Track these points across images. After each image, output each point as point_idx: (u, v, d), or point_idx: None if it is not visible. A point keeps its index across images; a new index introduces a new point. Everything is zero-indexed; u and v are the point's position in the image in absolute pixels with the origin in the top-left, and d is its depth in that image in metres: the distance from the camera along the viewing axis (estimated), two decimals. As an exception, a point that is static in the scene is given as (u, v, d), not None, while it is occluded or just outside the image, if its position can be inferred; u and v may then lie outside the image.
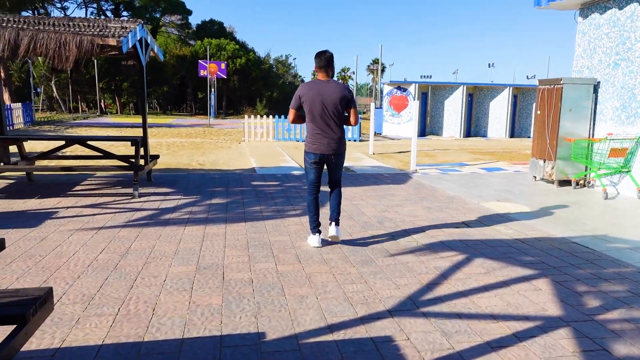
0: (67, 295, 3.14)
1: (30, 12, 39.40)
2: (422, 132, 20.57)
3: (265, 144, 15.25)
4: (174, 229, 4.87)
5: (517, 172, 9.63)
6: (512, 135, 21.35)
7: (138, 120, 30.25)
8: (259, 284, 3.43)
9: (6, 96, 37.58)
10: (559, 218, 5.74)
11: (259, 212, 5.74)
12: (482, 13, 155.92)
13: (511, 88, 20.42)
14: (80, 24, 6.25)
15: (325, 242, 4.50)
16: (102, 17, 44.90)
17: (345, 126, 4.46)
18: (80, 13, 52.92)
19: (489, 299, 3.25)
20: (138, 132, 18.63)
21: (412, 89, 19.43)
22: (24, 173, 7.41)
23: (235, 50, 41.86)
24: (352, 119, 4.29)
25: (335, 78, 4.37)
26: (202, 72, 32.10)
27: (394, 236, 4.81)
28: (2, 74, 36.36)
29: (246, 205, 6.07)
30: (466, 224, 5.38)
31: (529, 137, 21.29)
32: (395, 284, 3.50)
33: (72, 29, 5.81)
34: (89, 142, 6.84)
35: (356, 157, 12.02)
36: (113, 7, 47.50)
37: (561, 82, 7.67)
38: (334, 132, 4.17)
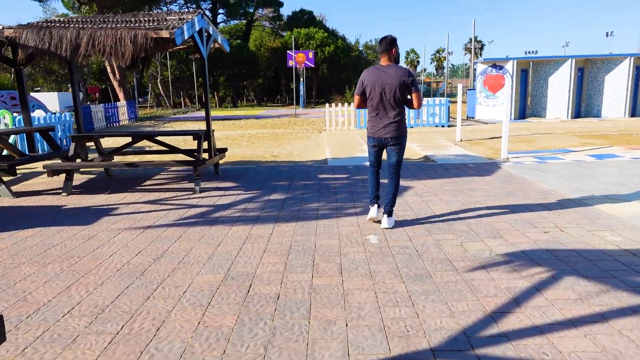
0: (80, 306, 2.94)
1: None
2: (522, 115, 18.55)
3: (346, 132, 14.74)
4: (219, 229, 4.59)
5: (635, 160, 8.00)
6: (633, 115, 18.38)
7: (233, 112, 31.53)
8: (284, 301, 2.96)
9: (121, 95, 41.73)
10: (690, 221, 4.47)
11: (315, 209, 5.26)
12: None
13: (632, 58, 17.50)
14: (142, 18, 6.23)
15: (378, 251, 3.89)
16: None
17: (415, 110, 4.61)
18: (182, 14, 56.48)
19: (576, 341, 2.43)
20: (223, 125, 19.22)
21: (509, 66, 17.52)
22: (103, 169, 7.74)
23: (324, 39, 41.70)
24: (415, 103, 4.29)
25: (401, 62, 4.00)
26: (290, 63, 32.38)
27: (462, 243, 4.04)
28: (118, 75, 40.26)
29: (304, 202, 5.63)
30: (559, 228, 4.39)
31: (657, 115, 18.15)
32: (450, 310, 2.80)
33: (129, 25, 5.78)
34: (156, 138, 6.90)
35: (441, 144, 11.01)
36: (211, 5, 49.94)
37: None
38: (392, 117, 4.25)
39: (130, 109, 22.44)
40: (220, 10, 50.22)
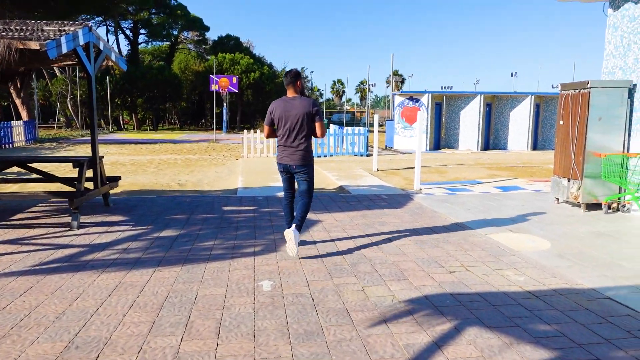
0: None
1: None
2: (437, 146, 19.28)
3: (264, 160, 14.26)
4: (84, 276, 3.84)
5: (537, 192, 8.31)
6: (534, 148, 19.83)
7: (150, 136, 29.86)
8: (135, 379, 2.34)
9: (24, 114, 38.09)
10: (587, 257, 4.48)
11: (209, 249, 4.67)
12: (503, 22, 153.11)
13: (533, 97, 18.99)
14: (13, 27, 5.38)
15: (269, 301, 3.38)
16: (112, 34, 45.10)
17: (319, 138, 4.62)
18: (101, 31, 53.69)
19: (476, 416, 2.07)
20: (134, 149, 17.95)
21: (425, 99, 18.22)
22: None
23: (250, 65, 41.43)
24: (318, 132, 4.47)
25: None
26: (213, 87, 31.59)
27: (364, 287, 3.66)
28: (22, 92, 36.81)
29: (199, 240, 5.01)
30: (465, 267, 4.18)
31: (553, 149, 19.73)
32: (338, 380, 2.35)
33: (-8, 32, 4.93)
34: (30, 165, 5.94)
35: (357, 174, 10.88)
36: (132, 25, 47.89)
37: (588, 86, 6.41)
38: (299, 145, 4.40)
39: (28, 130, 20.30)
40: (142, 31, 48.34)
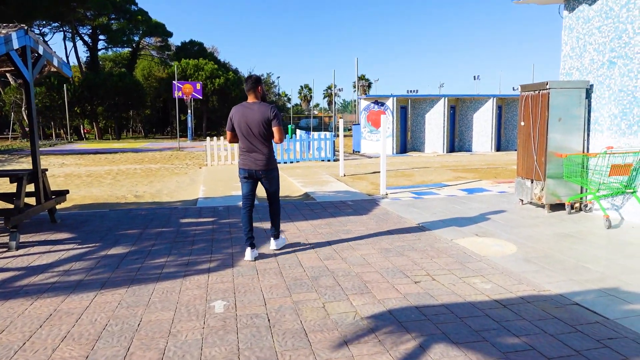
0: None
1: None
2: (403, 149, 19.34)
3: (227, 168, 13.88)
4: (15, 304, 3.45)
5: (501, 194, 8.31)
6: (498, 149, 20.19)
7: (111, 145, 28.83)
8: None
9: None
10: (553, 261, 4.39)
11: (160, 267, 4.33)
12: (466, 25, 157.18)
13: (495, 99, 19.34)
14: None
15: (220, 325, 3.10)
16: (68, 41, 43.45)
17: (278, 143, 4.61)
18: (58, 38, 51.76)
19: None
20: (92, 160, 17.22)
21: (390, 102, 18.25)
22: None
23: (214, 70, 40.78)
24: (276, 136, 4.47)
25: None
26: (177, 94, 30.83)
27: (325, 303, 3.43)
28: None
29: (150, 257, 4.66)
30: (431, 276, 4.01)
31: (516, 150, 20.13)
32: (291, 417, 2.10)
33: None
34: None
35: (323, 180, 10.67)
36: (91, 31, 46.35)
37: (547, 87, 6.42)
38: (260, 150, 4.45)
39: (-24, 141, 19.13)
40: (102, 37, 46.84)
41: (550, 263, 4.33)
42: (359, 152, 19.34)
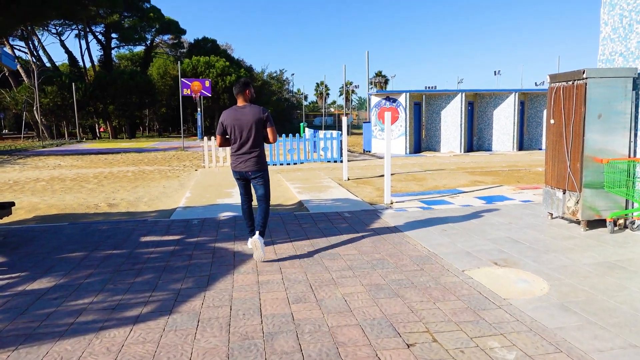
0: None
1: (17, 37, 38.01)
2: (417, 148, 18.11)
3: (224, 170, 12.90)
4: None
5: (526, 204, 7.10)
6: (520, 148, 18.78)
7: (117, 145, 28.28)
8: None
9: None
10: (599, 308, 3.24)
11: (77, 312, 3.33)
12: (486, 20, 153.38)
13: (517, 94, 17.94)
14: None
15: None
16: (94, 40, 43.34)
17: (271, 144, 5.23)
18: (72, 37, 51.83)
19: None
20: (90, 161, 16.49)
21: (402, 99, 17.04)
22: None
23: (225, 68, 40.04)
24: (270, 137, 4.57)
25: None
26: (186, 91, 30.07)
27: (272, 388, 2.36)
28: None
29: (74, 295, 3.67)
30: (430, 333, 2.91)
31: (541, 149, 18.71)
32: None
33: None
34: None
35: (323, 185, 9.59)
36: (104, 29, 46.10)
37: (584, 77, 5.21)
38: (252, 152, 4.48)
39: (-25, 142, 18.63)
40: (114, 35, 46.55)
41: (597, 312, 3.18)
42: (369, 151, 18.19)
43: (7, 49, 42.03)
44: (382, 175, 11.04)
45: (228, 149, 13.75)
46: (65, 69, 44.94)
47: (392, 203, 7.47)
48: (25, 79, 38.26)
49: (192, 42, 50.72)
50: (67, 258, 4.67)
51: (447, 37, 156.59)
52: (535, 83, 54.12)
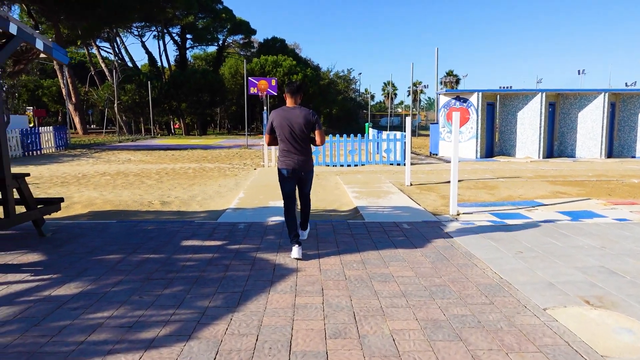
0: None
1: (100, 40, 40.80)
2: (489, 153, 16.79)
3: (284, 170, 12.57)
4: None
5: (621, 224, 6.01)
6: (609, 155, 16.82)
7: (186, 141, 29.24)
8: None
9: (76, 120, 39.02)
10: None
11: (91, 329, 3.00)
12: (568, 16, 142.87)
13: (607, 94, 16.05)
14: None
15: None
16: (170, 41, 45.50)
17: (318, 146, 4.90)
18: (151, 39, 54.61)
19: None
20: (158, 157, 16.94)
21: (474, 99, 15.83)
22: None
23: (292, 66, 40.24)
24: (317, 140, 4.66)
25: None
26: (252, 90, 30.47)
27: None
28: (74, 99, 37.75)
29: (95, 306, 3.37)
30: (503, 402, 2.23)
31: (634, 156, 16.64)
32: None
33: None
34: None
35: (383, 190, 8.93)
36: (180, 30, 48.26)
37: None
38: (301, 151, 4.61)
39: (58, 136, 19.94)
40: (188, 36, 48.56)
41: None
42: (436, 154, 17.16)
43: (94, 50, 45.36)
44: (449, 182, 10.14)
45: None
46: (146, 68, 47.62)
47: (458, 214, 6.68)
48: (108, 78, 40.89)
49: (262, 41, 51.66)
50: (103, 260, 4.44)
51: (524, 35, 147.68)
52: (626, 83, 49.30)
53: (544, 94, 15.94)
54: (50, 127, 19.75)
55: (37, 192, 8.68)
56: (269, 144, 4.81)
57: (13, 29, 4.54)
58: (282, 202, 4.84)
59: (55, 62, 37.54)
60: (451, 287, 3.76)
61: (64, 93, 33.82)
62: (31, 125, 37.25)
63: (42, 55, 5.25)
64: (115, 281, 3.89)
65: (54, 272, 4.10)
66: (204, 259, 4.53)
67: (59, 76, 36.94)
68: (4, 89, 28.44)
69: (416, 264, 4.37)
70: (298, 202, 5.07)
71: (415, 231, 5.64)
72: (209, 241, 5.18)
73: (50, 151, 19.06)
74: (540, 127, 15.99)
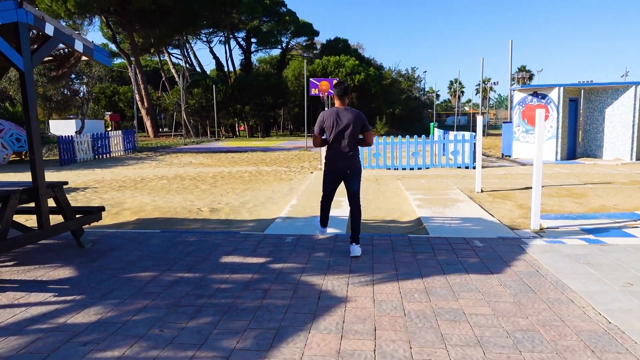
0: None
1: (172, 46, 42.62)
2: (571, 154, 15.08)
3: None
4: None
5: None
6: None
7: (248, 143, 29.51)
8: None
9: (148, 124, 41.01)
10: None
11: (96, 373, 2.52)
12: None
13: None
14: None
15: None
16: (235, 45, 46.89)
17: (368, 147, 5.68)
18: (219, 45, 56.36)
19: None
20: (218, 159, 16.94)
21: (554, 94, 14.25)
22: None
23: (355, 66, 39.51)
24: (368, 141, 4.72)
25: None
26: (313, 91, 30.15)
27: None
28: (146, 103, 39.71)
29: (108, 341, 2.91)
30: None
31: None
32: None
33: None
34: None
35: (450, 197, 8.00)
36: (245, 35, 49.29)
37: None
38: (349, 152, 4.63)
39: (127, 139, 20.70)
40: (253, 39, 49.43)
41: None
42: (509, 156, 15.71)
43: (165, 56, 47.52)
44: (526, 188, 8.97)
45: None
46: (214, 73, 49.11)
47: (541, 229, 5.67)
48: (178, 82, 42.56)
49: (324, 42, 51.44)
50: (134, 279, 4.04)
51: (608, 27, 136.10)
52: None
53: (638, 87, 14.02)
54: (119, 131, 20.53)
55: (93, 197, 8.70)
56: (319, 145, 4.77)
57: (49, 29, 4.26)
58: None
59: (129, 70, 39.75)
60: (542, 333, 2.91)
61: (137, 98, 35.67)
62: (109, 129, 39.54)
63: (83, 57, 5.00)
64: (139, 307, 3.44)
65: (78, 293, 3.74)
66: (241, 280, 3.98)
67: (133, 82, 38.87)
68: (81, 96, 30.34)
69: (494, 296, 3.54)
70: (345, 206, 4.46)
71: (490, 250, 4.76)
72: (251, 257, 4.65)
73: (119, 154, 19.80)
74: (633, 125, 14.08)
